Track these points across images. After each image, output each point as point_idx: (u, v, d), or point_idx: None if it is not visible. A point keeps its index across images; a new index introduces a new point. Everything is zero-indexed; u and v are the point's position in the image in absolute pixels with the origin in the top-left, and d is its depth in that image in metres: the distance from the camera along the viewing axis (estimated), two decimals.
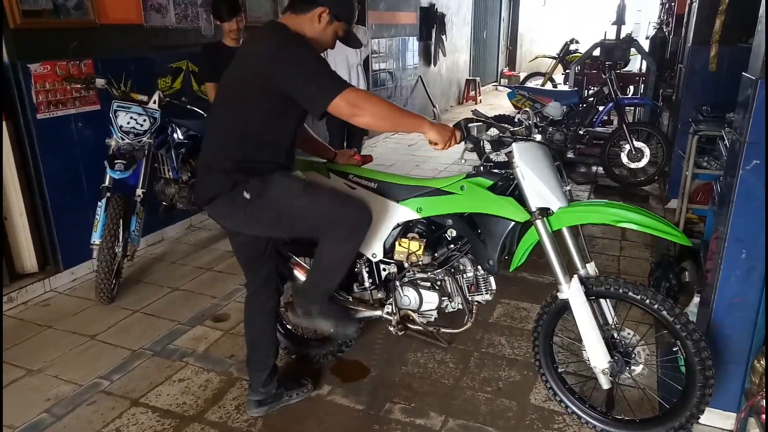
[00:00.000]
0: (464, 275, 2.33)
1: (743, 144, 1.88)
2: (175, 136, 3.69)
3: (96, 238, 3.15)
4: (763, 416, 1.87)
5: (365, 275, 2.40)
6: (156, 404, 2.39)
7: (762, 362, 1.97)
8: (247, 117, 1.95)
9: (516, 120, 2.12)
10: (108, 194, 3.20)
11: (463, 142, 2.05)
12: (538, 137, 2.11)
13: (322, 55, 1.98)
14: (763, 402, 1.87)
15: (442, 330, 2.42)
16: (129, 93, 3.44)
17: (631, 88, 7.85)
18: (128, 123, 3.30)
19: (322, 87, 1.83)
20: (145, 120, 3.33)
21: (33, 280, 3.38)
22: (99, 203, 3.19)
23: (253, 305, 2.27)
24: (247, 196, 1.95)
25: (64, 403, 2.40)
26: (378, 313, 2.40)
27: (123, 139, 3.27)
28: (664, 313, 1.93)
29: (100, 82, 3.35)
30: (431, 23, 9.36)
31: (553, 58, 9.76)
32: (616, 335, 2.12)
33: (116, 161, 3.18)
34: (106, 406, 2.38)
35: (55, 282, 3.47)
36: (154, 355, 2.75)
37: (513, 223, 2.09)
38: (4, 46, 3.12)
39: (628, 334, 2.13)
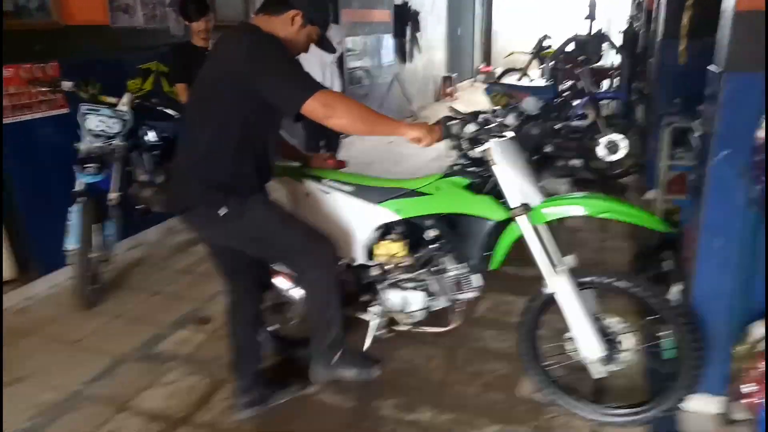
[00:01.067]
0: (448, 274, 2.32)
1: (712, 136, 1.91)
2: (147, 138, 3.62)
3: (70, 244, 3.07)
4: (747, 400, 1.91)
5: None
6: (143, 408, 2.35)
7: (744, 346, 2.01)
8: (225, 124, 1.92)
9: (479, 121, 2.11)
10: (81, 199, 3.12)
11: (444, 141, 2.03)
12: (510, 134, 2.11)
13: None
14: (746, 386, 1.91)
15: (429, 330, 2.42)
16: (98, 95, 3.36)
17: (606, 82, 7.97)
18: (98, 126, 3.22)
19: (296, 88, 1.82)
20: (115, 122, 3.25)
21: (10, 287, 3.30)
22: (71, 209, 3.10)
23: (234, 315, 2.26)
24: (221, 213, 1.94)
25: (50, 412, 2.35)
26: (374, 323, 2.37)
27: (92, 143, 3.20)
28: (653, 300, 1.97)
29: (66, 84, 3.27)
30: (405, 21, 9.38)
31: (528, 54, 9.85)
32: (602, 324, 2.15)
33: (86, 165, 3.10)
34: (92, 412, 2.34)
35: (33, 289, 3.39)
36: (138, 359, 2.71)
37: (492, 222, 2.10)
38: None
39: (614, 322, 2.15)
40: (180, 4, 3.80)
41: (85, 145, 3.20)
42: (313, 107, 1.80)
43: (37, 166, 3.40)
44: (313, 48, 2.11)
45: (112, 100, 3.33)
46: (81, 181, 3.13)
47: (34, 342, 2.90)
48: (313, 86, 1.82)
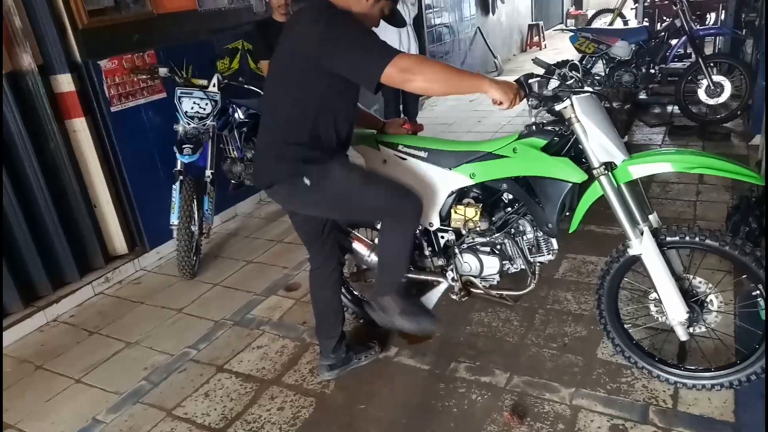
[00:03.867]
0: (524, 237, 2.30)
1: None
2: (236, 116, 3.83)
3: (174, 219, 3.38)
4: None
5: (424, 244, 2.43)
6: (238, 370, 2.58)
7: None
8: (302, 100, 1.96)
9: (555, 77, 2.01)
10: (180, 177, 3.39)
11: (525, 100, 1.94)
12: (589, 89, 2.02)
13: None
14: None
15: (506, 293, 2.42)
16: (190, 79, 3.60)
17: (713, 15, 7.24)
18: (192, 108, 3.46)
19: (372, 59, 1.80)
20: (207, 104, 3.48)
21: (124, 261, 3.69)
22: (173, 186, 3.40)
23: (317, 280, 2.37)
24: (307, 182, 2.01)
25: (159, 372, 2.64)
26: (443, 286, 2.42)
27: (189, 124, 3.45)
28: (744, 258, 1.86)
29: (162, 70, 3.51)
30: None
31: None
32: (687, 285, 2.06)
33: (184, 146, 3.36)
34: (195, 373, 2.60)
35: (144, 261, 3.77)
36: (234, 324, 2.96)
37: (570, 184, 2.04)
38: (76, 47, 3.34)
39: (700, 282, 2.06)
40: None
41: (182, 126, 3.46)
42: (390, 74, 1.76)
43: (143, 149, 3.72)
44: None
45: (202, 82, 3.54)
46: (180, 161, 3.40)
47: (146, 309, 3.25)
48: (388, 54, 1.77)
